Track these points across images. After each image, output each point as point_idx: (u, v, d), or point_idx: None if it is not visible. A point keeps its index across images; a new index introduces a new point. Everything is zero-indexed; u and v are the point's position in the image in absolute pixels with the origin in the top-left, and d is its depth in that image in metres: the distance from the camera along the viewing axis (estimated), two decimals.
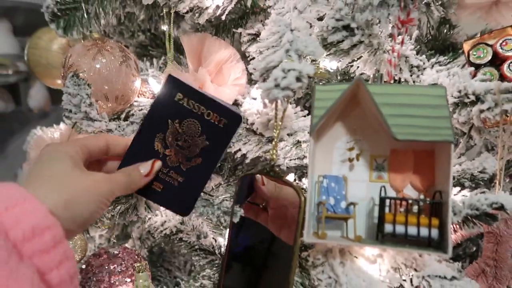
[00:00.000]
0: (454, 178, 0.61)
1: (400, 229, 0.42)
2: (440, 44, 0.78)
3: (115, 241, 0.80)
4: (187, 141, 0.58)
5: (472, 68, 0.62)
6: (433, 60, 0.66)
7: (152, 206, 0.61)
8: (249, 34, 0.70)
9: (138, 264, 0.61)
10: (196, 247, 0.82)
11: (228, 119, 0.57)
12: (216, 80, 0.69)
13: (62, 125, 0.95)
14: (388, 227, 0.43)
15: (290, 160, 0.68)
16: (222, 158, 0.58)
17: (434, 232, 0.41)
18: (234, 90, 0.69)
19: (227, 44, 0.69)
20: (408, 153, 0.53)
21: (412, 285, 0.48)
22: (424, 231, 0.41)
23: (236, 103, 0.71)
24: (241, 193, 0.57)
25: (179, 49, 0.77)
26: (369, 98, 0.46)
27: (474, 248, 0.78)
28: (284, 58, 0.53)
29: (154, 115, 0.60)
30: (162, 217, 0.82)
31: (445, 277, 0.47)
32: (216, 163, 0.58)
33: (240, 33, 0.73)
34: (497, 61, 0.62)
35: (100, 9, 0.69)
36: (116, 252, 0.79)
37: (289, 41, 0.52)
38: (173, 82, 0.60)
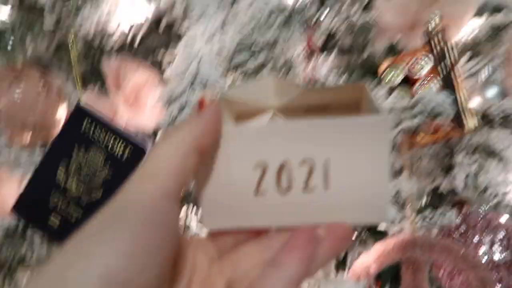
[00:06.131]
0: None
1: None
2: (369, 68, 0.78)
3: None
4: (89, 173, 0.56)
5: (386, 89, 0.61)
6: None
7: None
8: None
9: None
10: None
11: (131, 152, 0.55)
12: (134, 106, 0.68)
13: None
14: None
15: None
16: None
17: None
18: (153, 116, 0.67)
19: (145, 67, 0.68)
20: None
21: None
22: None
23: (158, 129, 0.69)
24: None
25: None
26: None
27: None
28: (188, 90, 0.52)
29: (59, 144, 0.58)
30: None
31: None
32: None
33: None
34: (410, 81, 0.62)
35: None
36: None
37: (193, 74, 0.52)
38: (80, 110, 0.58)
